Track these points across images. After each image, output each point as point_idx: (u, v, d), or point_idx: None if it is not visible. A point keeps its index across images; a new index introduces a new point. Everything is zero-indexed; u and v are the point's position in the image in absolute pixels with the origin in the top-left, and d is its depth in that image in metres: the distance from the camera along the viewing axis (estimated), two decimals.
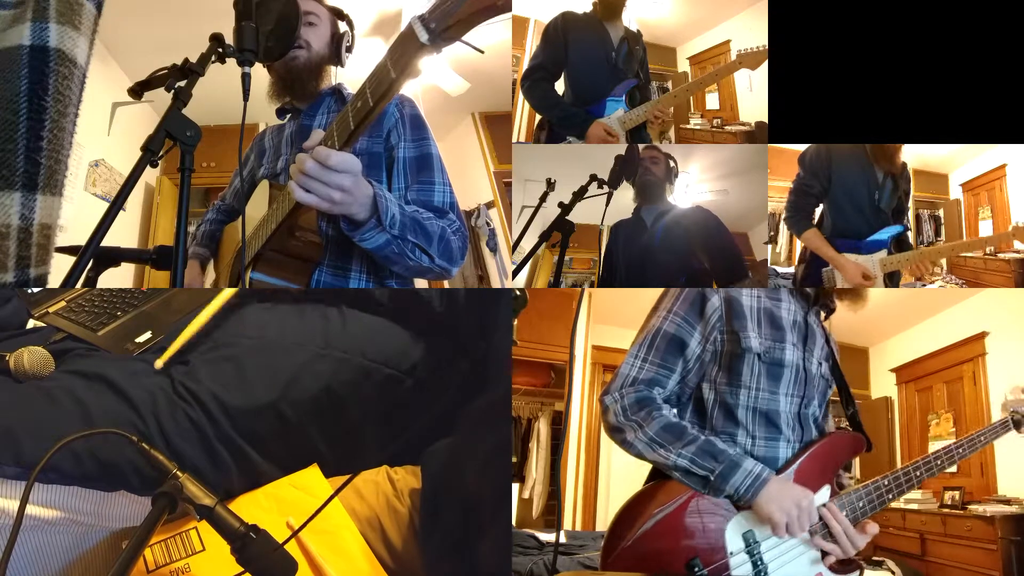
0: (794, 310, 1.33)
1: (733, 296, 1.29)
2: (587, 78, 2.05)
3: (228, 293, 1.39)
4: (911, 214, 2.22)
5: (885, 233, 2.01)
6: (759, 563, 1.18)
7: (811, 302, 1.37)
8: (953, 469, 3.33)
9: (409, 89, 1.09)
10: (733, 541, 1.19)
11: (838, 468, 1.30)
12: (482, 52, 1.09)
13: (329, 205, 1.22)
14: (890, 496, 1.29)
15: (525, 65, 2.13)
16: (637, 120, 2.00)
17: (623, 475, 3.25)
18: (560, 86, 2.08)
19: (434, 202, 1.53)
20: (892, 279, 2.01)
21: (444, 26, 0.96)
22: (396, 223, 1.34)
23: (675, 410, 1.27)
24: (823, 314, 1.39)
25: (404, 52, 1.02)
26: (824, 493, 1.26)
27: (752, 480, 1.19)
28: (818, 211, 2.09)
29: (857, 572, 1.27)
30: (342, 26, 1.74)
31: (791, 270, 2.17)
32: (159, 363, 1.25)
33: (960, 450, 1.37)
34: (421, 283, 1.69)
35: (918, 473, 1.32)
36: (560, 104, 2.06)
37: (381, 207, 1.30)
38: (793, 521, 1.19)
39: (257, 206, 1.66)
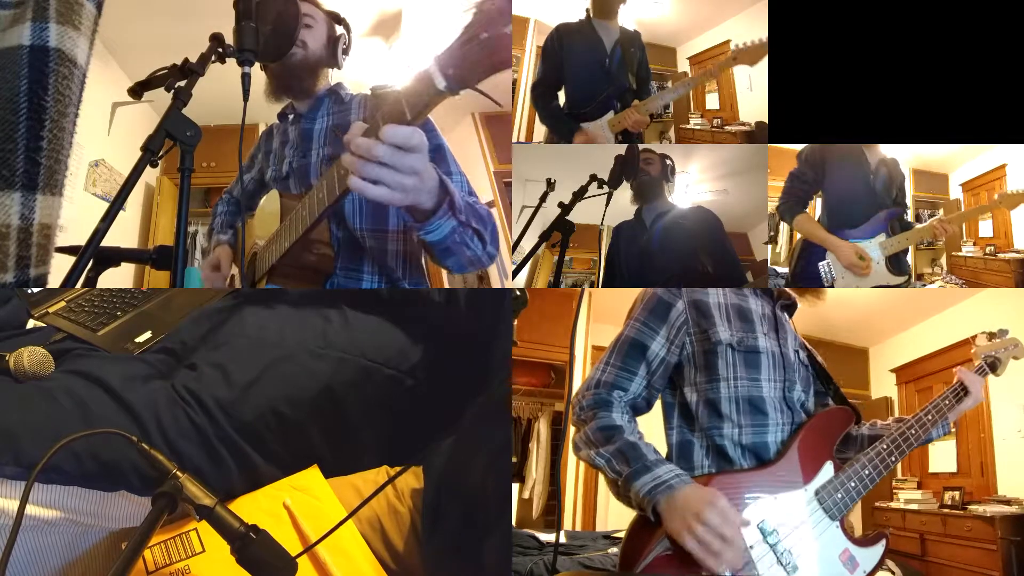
0: (761, 304, 1.34)
1: (699, 298, 1.29)
2: (582, 87, 2.11)
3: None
4: (911, 214, 2.22)
5: (883, 216, 2.01)
6: (780, 550, 1.15)
7: (774, 298, 1.38)
8: (953, 468, 3.34)
9: None
10: (749, 535, 1.14)
11: (834, 443, 1.29)
12: (500, 105, 1.08)
13: (402, 196, 1.06)
14: (892, 459, 1.28)
15: (525, 70, 2.20)
16: (620, 125, 2.05)
17: None
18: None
19: None
20: (896, 265, 2.00)
21: (461, 73, 0.93)
22: (461, 208, 1.23)
23: (628, 418, 1.23)
24: (787, 314, 1.40)
25: (420, 96, 0.98)
26: (828, 469, 1.25)
27: (655, 485, 1.09)
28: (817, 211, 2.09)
29: (883, 541, 1.25)
30: (339, 29, 1.74)
31: None
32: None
33: (946, 402, 1.38)
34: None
35: (912, 432, 1.32)
36: (552, 114, 2.13)
37: (452, 190, 1.19)
38: (703, 538, 1.04)
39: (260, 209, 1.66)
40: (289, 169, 1.68)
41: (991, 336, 1.53)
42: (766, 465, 1.22)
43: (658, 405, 1.32)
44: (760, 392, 1.25)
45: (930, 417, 1.36)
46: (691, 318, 1.28)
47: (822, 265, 2.02)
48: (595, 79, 2.09)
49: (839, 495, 1.23)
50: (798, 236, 2.16)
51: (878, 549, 1.25)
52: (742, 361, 1.26)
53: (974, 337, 1.55)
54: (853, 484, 1.24)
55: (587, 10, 2.12)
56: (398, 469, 1.33)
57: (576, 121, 2.08)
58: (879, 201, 2.04)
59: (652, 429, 1.28)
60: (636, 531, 1.15)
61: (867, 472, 1.26)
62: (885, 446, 1.30)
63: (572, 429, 1.28)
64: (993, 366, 1.49)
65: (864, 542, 1.24)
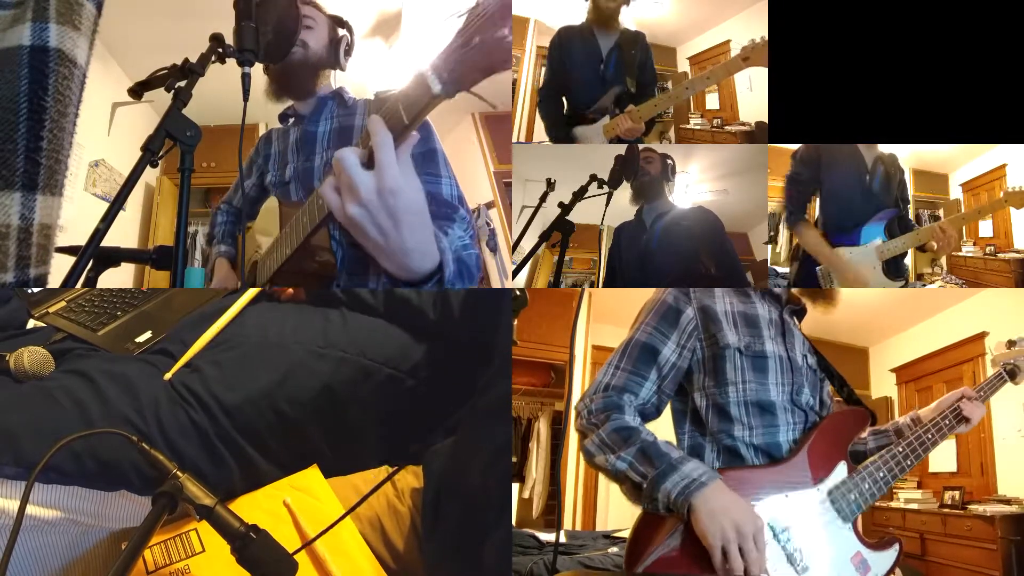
0: (768, 309, 1.33)
1: (707, 304, 1.28)
2: (580, 92, 2.12)
3: (239, 305, 1.38)
4: (911, 213, 2.22)
5: (880, 218, 1.99)
6: (791, 549, 1.13)
7: (783, 303, 1.37)
8: (953, 468, 3.34)
9: None
10: None
11: (848, 444, 1.27)
12: (495, 107, 1.09)
13: (378, 235, 1.02)
14: (908, 463, 1.27)
15: (525, 70, 2.21)
16: (613, 132, 2.05)
17: None
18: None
19: (443, 194, 1.53)
20: (894, 269, 1.98)
21: (456, 76, 0.94)
22: (451, 279, 1.18)
23: (640, 422, 1.21)
24: (796, 319, 1.39)
25: (417, 101, 0.98)
26: (841, 469, 1.23)
27: (686, 484, 1.08)
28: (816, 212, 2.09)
29: (896, 546, 1.23)
30: (341, 31, 1.74)
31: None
32: (168, 376, 1.25)
33: (949, 419, 1.37)
34: None
35: (929, 436, 1.31)
36: (552, 121, 2.14)
37: (448, 267, 1.15)
38: (729, 544, 1.04)
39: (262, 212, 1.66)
40: (293, 174, 1.68)
41: (1011, 344, 1.51)
42: (777, 463, 1.21)
43: (667, 410, 1.31)
44: (768, 396, 1.24)
45: (947, 421, 1.35)
46: (700, 323, 1.27)
47: (820, 269, 2.02)
48: (592, 85, 2.10)
49: (852, 496, 1.21)
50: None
51: (891, 554, 1.22)
52: (750, 365, 1.25)
53: (982, 335, 1.53)
54: (867, 486, 1.23)
55: (588, 13, 2.12)
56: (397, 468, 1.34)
57: (577, 124, 2.08)
58: (877, 201, 2.01)
59: (660, 434, 1.25)
60: (641, 528, 1.14)
61: (881, 474, 1.24)
62: (901, 449, 1.28)
63: (578, 436, 1.24)
64: (1012, 373, 1.47)
65: (877, 546, 1.22)
